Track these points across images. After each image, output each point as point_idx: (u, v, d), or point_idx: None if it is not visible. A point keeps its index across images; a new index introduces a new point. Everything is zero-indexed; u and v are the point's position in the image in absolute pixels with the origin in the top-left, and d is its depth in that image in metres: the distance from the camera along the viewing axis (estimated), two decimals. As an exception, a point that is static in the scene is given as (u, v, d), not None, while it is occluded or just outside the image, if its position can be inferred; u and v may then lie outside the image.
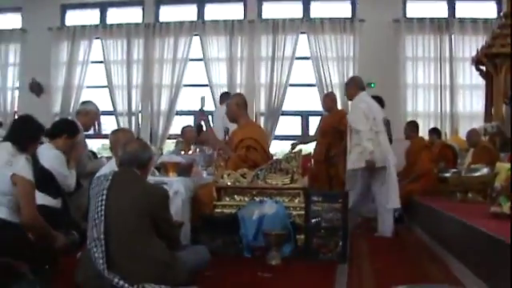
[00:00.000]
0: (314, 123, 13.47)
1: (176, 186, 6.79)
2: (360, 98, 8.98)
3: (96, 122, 8.75)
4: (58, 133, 6.69)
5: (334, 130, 10.64)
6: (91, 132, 13.82)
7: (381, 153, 8.57)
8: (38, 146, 5.52)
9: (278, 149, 14.02)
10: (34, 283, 3.83)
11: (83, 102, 9.25)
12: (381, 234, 8.68)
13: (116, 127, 13.39)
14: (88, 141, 12.59)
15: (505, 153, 9.72)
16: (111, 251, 4.43)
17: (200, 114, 8.79)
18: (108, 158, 7.95)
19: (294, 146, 10.73)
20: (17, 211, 4.83)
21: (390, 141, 10.68)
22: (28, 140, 5.14)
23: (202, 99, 8.43)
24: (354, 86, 9.19)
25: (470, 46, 13.68)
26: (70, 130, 7.01)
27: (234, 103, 8.00)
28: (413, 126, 11.74)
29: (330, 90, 13.41)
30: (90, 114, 8.34)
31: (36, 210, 4.91)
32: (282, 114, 14.48)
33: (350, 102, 9.49)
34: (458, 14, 14.56)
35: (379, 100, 11.01)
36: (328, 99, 11.24)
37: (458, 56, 14.12)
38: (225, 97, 11.42)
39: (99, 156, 9.85)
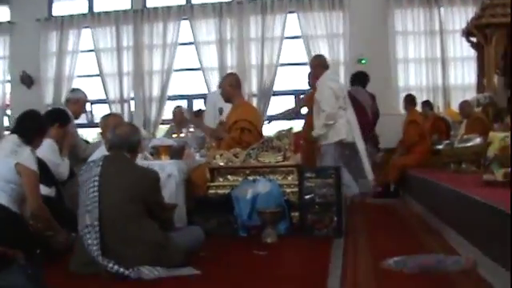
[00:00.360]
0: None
1: (169, 169, 6.78)
2: (328, 76, 9.01)
3: (84, 110, 8.75)
4: (50, 122, 6.68)
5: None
6: (84, 121, 13.89)
7: (350, 129, 8.63)
8: (42, 141, 5.59)
9: (272, 129, 14.01)
10: (25, 268, 3.82)
11: (72, 90, 9.29)
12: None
13: (109, 115, 13.38)
14: (81, 130, 12.65)
15: (498, 123, 9.73)
16: (105, 237, 4.44)
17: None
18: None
19: (270, 121, 10.85)
20: (18, 201, 4.91)
21: (377, 115, 10.77)
22: (34, 133, 5.29)
23: (220, 110, 8.40)
24: (319, 66, 9.20)
25: (460, 17, 13.66)
26: (61, 118, 7.05)
27: (228, 83, 7.98)
28: (410, 99, 11.71)
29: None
30: (80, 102, 8.34)
31: (41, 201, 4.98)
32: (274, 95, 14.46)
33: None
34: (447, -14, 14.49)
35: (364, 75, 11.13)
36: (312, 74, 11.27)
37: (448, 28, 14.06)
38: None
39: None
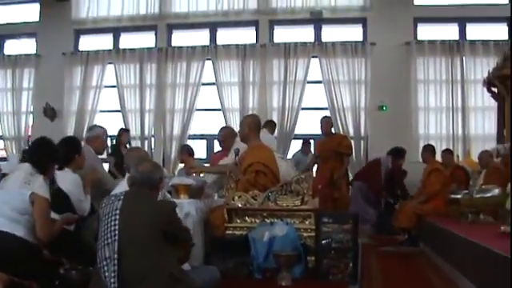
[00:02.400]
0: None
1: (187, 208, 6.79)
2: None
3: (106, 146, 8.75)
4: (70, 157, 6.70)
5: (335, 153, 10.85)
6: (104, 156, 13.90)
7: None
8: (55, 168, 5.61)
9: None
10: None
11: (89, 129, 9.21)
12: None
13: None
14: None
15: (517, 174, 9.70)
16: (122, 270, 4.47)
17: None
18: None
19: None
20: (35, 232, 4.91)
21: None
22: (47, 161, 5.29)
23: (237, 151, 8.41)
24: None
25: (482, 67, 13.73)
26: (75, 148, 6.99)
27: (247, 124, 7.93)
28: (428, 150, 11.73)
29: (340, 114, 13.58)
30: (100, 138, 8.31)
31: (52, 228, 5.01)
32: (295, 138, 14.49)
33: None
34: (468, 36, 14.64)
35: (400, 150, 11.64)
36: (326, 123, 11.40)
37: (469, 78, 14.14)
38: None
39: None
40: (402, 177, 12.62)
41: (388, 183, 12.35)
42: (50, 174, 5.41)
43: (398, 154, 12.50)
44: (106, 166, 9.42)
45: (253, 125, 7.87)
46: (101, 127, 8.58)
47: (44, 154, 5.34)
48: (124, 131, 12.46)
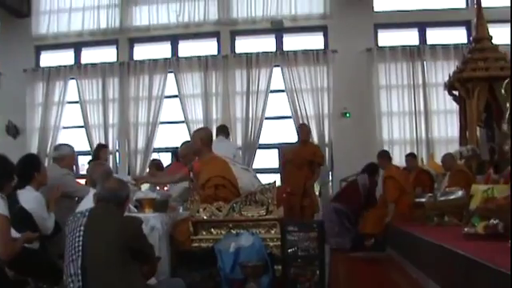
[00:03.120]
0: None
1: (152, 222, 6.78)
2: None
3: (74, 164, 8.67)
4: (30, 174, 6.63)
5: (309, 162, 10.92)
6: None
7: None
8: (12, 186, 5.54)
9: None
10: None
11: (56, 147, 9.12)
12: None
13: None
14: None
15: (481, 175, 9.80)
16: (88, 286, 4.45)
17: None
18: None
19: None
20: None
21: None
22: (2, 178, 5.20)
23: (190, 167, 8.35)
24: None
25: (443, 71, 13.86)
26: (33, 166, 6.90)
27: (199, 137, 7.89)
28: (383, 156, 11.87)
29: (304, 122, 13.58)
30: (67, 158, 8.27)
31: (13, 246, 4.96)
32: (259, 148, 14.51)
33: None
34: (429, 41, 14.78)
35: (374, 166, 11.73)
36: (306, 129, 11.50)
37: (430, 82, 14.27)
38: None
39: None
40: (375, 188, 12.68)
41: (367, 200, 12.40)
42: (6, 191, 5.33)
43: (373, 171, 12.56)
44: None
45: (205, 138, 7.84)
46: (68, 145, 8.54)
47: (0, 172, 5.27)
48: (102, 147, 12.29)
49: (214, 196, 7.21)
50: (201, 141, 7.71)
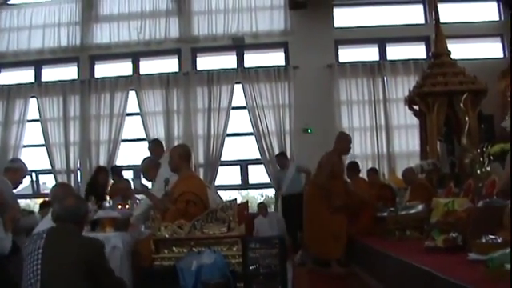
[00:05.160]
0: (254, 172, 13.61)
1: (114, 241, 6.75)
2: None
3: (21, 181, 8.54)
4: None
5: None
6: (30, 191, 13.68)
7: None
8: None
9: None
10: None
11: (11, 160, 9.11)
12: None
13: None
14: (28, 201, 12.53)
15: (442, 188, 9.88)
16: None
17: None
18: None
19: None
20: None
21: None
22: None
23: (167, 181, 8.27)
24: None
25: (403, 86, 14.06)
26: None
27: (177, 154, 7.88)
28: (354, 167, 11.90)
29: (266, 138, 13.70)
30: (19, 172, 8.17)
31: None
32: (221, 165, 14.52)
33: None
34: (389, 57, 14.99)
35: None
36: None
37: (391, 97, 14.47)
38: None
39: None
40: None
41: None
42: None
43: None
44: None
45: (183, 154, 7.82)
46: (22, 162, 8.46)
47: None
48: (102, 170, 12.02)
49: (183, 211, 7.20)
50: (179, 157, 7.68)
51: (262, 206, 13.57)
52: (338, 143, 10.54)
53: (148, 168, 8.93)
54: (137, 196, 9.80)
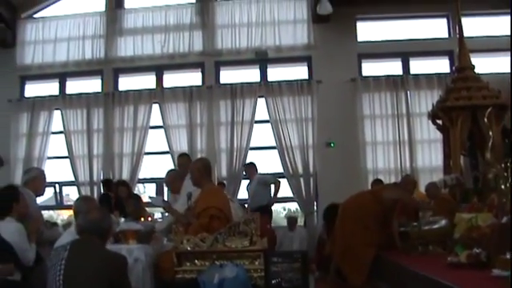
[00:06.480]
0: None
1: (136, 254, 6.77)
2: None
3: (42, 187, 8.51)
4: (9, 206, 6.59)
5: None
6: (53, 203, 13.72)
7: None
8: None
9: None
10: None
11: (25, 172, 9.05)
12: None
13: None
14: (51, 212, 12.57)
15: (465, 203, 9.80)
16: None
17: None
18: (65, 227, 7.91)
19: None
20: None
21: None
22: None
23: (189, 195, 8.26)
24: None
25: (426, 100, 13.89)
26: (11, 197, 6.86)
27: (196, 168, 7.88)
28: (374, 185, 11.86)
29: (288, 152, 13.76)
30: (37, 179, 8.15)
31: None
32: (244, 178, 14.43)
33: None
34: (412, 71, 14.90)
35: None
36: None
37: (414, 111, 14.38)
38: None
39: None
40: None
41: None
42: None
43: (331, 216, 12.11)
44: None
45: (202, 168, 7.82)
46: (37, 168, 8.50)
47: None
48: (121, 184, 12.14)
49: (206, 226, 7.19)
50: (198, 171, 7.71)
51: (292, 220, 13.57)
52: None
53: (172, 180, 8.95)
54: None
